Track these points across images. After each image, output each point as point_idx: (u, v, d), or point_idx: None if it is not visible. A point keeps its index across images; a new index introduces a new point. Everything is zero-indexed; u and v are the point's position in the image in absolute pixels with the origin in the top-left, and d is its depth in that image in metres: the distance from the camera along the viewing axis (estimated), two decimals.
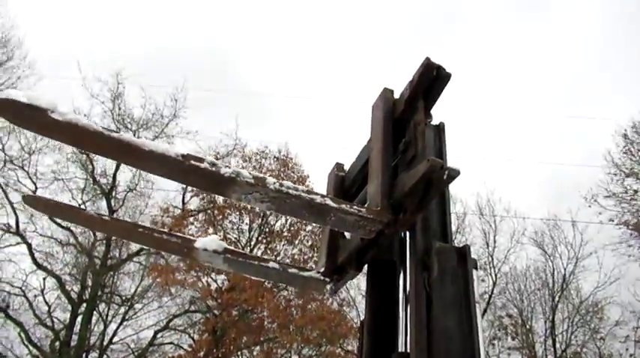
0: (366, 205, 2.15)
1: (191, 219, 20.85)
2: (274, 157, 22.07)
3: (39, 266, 18.38)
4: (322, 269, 2.51)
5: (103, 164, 19.88)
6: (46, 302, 18.62)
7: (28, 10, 28.62)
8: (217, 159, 21.44)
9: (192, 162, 1.92)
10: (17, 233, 18.29)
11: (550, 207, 23.94)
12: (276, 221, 21.96)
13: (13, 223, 18.22)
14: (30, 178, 18.59)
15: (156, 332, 19.60)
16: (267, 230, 21.91)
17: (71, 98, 18.84)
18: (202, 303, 20.19)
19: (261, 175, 2.03)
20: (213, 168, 1.95)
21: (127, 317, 19.56)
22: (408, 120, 2.32)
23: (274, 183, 2.01)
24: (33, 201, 2.58)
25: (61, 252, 19.32)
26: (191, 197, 21.26)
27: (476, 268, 2.03)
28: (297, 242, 21.97)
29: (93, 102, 19.11)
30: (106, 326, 19.29)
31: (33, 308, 17.98)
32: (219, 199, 21.61)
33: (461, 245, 2.07)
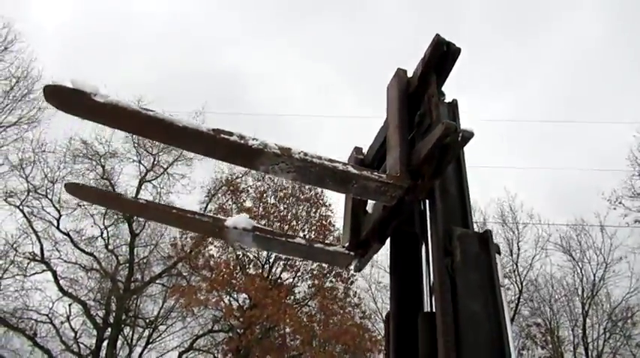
0: (386, 173, 2.21)
1: (210, 239, 21.03)
2: None
3: (64, 292, 18.71)
4: (347, 245, 2.55)
5: (125, 188, 20.29)
6: (72, 329, 18.92)
7: (45, 41, 29.53)
8: (233, 179, 21.68)
9: (222, 135, 2.00)
10: (42, 260, 18.69)
11: (575, 211, 23.32)
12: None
13: (37, 251, 18.66)
14: (54, 206, 19.05)
15: (180, 354, 19.73)
16: None
17: (91, 125, 19.34)
18: (225, 323, 20.29)
19: (287, 146, 2.07)
20: (242, 141, 2.02)
21: (151, 340, 19.76)
22: (422, 94, 2.38)
23: (299, 152, 2.07)
24: (75, 189, 2.64)
25: (85, 277, 19.66)
26: None
27: (498, 253, 2.03)
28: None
29: (114, 129, 19.48)
30: (131, 350, 19.50)
31: (60, 334, 18.26)
32: None
33: (482, 230, 2.09)
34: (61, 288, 18.61)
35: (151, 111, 1.98)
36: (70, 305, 18.85)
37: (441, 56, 2.33)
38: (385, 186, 2.13)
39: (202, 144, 2.04)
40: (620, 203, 20.00)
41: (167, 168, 20.38)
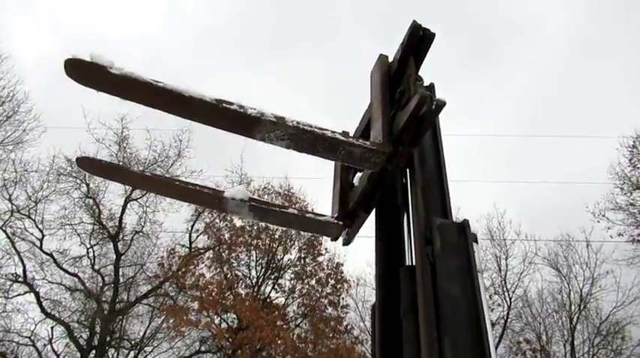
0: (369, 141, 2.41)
1: (198, 257, 20.77)
2: (277, 192, 22.13)
3: (47, 314, 18.21)
4: (336, 215, 2.72)
5: (110, 207, 20.00)
6: (55, 352, 18.34)
7: (26, 72, 29.44)
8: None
9: (224, 104, 2.13)
10: (25, 282, 18.22)
11: (560, 226, 23.60)
12: (284, 255, 21.86)
13: (20, 272, 18.19)
14: (37, 226, 18.67)
15: None
16: (274, 265, 21.75)
17: (77, 143, 19.15)
18: (213, 343, 19.87)
19: (281, 115, 2.22)
20: (242, 110, 2.15)
21: None
22: (402, 75, 2.62)
23: (292, 121, 2.21)
24: (87, 163, 2.67)
25: (69, 298, 19.19)
26: (197, 236, 21.26)
27: (476, 242, 2.16)
28: (304, 277, 21.77)
29: (99, 146, 19.32)
30: None
31: (42, 357, 17.71)
32: (226, 235, 21.62)
33: (460, 220, 2.23)
34: (43, 310, 18.12)
35: (161, 82, 2.07)
36: (52, 327, 18.35)
37: (418, 40, 2.57)
38: (369, 153, 2.31)
39: (206, 113, 2.16)
40: (603, 216, 20.29)
41: None
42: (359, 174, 2.78)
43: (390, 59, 2.82)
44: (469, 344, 1.91)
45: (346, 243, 2.82)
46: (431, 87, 2.63)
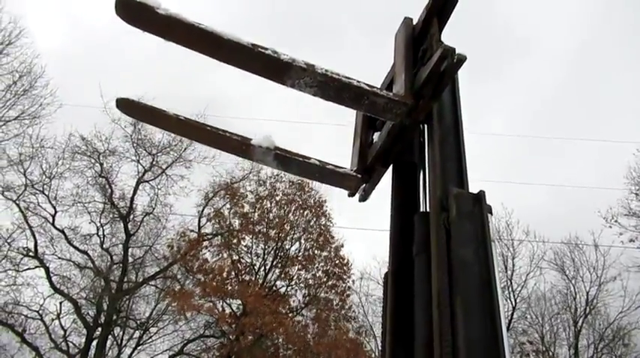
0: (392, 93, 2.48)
1: (205, 243, 20.95)
2: (290, 181, 22.20)
3: (56, 290, 18.47)
4: (355, 168, 2.78)
5: (122, 187, 20.21)
6: (62, 327, 18.60)
7: (50, 38, 29.72)
8: (234, 182, 21.68)
9: (259, 49, 2.19)
10: (36, 256, 18.48)
11: (570, 229, 23.45)
12: (291, 245, 21.97)
13: (32, 246, 18.45)
14: (50, 202, 18.93)
15: (170, 357, 19.42)
16: (281, 254, 21.87)
17: (93, 123, 19.37)
18: (217, 328, 20.04)
19: (311, 62, 2.28)
20: (275, 54, 2.21)
21: (141, 342, 19.44)
22: (425, 35, 2.67)
23: (321, 68, 2.27)
24: (127, 104, 2.67)
25: (78, 275, 19.43)
26: (206, 221, 21.43)
27: (491, 213, 2.19)
28: (311, 267, 21.87)
29: (114, 126, 19.53)
30: (120, 351, 19.18)
31: (49, 332, 17.96)
32: (236, 223, 21.78)
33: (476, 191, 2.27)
34: (53, 285, 18.38)
35: (203, 24, 2.14)
36: (61, 303, 18.60)
37: (442, 2, 2.63)
38: (392, 103, 2.37)
39: (242, 56, 2.21)
40: (616, 221, 20.15)
41: (166, 168, 20.33)
42: (377, 134, 2.85)
43: (415, 22, 2.88)
44: (480, 307, 1.96)
45: (363, 198, 2.88)
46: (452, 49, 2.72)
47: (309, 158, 2.74)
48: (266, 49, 2.21)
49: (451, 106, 2.59)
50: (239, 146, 2.69)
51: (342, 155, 3.01)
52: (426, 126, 2.61)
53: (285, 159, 2.70)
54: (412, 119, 2.47)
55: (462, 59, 2.30)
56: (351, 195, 2.87)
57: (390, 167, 2.76)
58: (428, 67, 2.38)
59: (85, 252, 19.23)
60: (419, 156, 2.68)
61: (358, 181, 2.77)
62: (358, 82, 2.37)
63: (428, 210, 2.41)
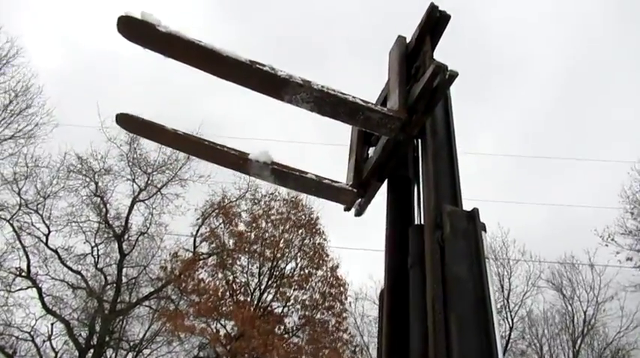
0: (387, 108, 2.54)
1: (200, 263, 20.79)
2: (283, 200, 22.20)
3: (48, 311, 18.22)
4: (351, 183, 2.81)
5: (117, 206, 20.11)
6: (54, 349, 18.32)
7: (47, 58, 29.88)
8: (227, 203, 21.62)
9: (257, 65, 2.23)
10: (28, 276, 18.28)
11: (566, 248, 23.43)
12: (287, 264, 21.82)
13: (24, 266, 18.26)
14: (44, 222, 18.80)
15: None
16: (277, 273, 21.71)
17: (89, 142, 19.38)
18: (211, 350, 19.76)
19: (308, 78, 2.32)
20: (272, 71, 2.25)
21: None
22: (418, 52, 2.75)
23: (317, 84, 2.31)
24: (126, 120, 2.68)
25: (71, 296, 19.19)
26: (201, 241, 21.31)
27: (484, 230, 2.20)
28: (307, 287, 21.71)
29: (110, 145, 19.54)
30: None
31: (40, 354, 17.69)
32: (230, 242, 21.66)
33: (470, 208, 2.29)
34: (45, 306, 18.14)
35: (202, 41, 2.19)
36: (52, 324, 18.35)
37: (435, 21, 2.72)
38: (386, 118, 2.41)
39: (240, 73, 2.25)
40: (612, 240, 20.16)
41: (161, 187, 20.29)
42: (372, 149, 2.88)
43: (408, 40, 2.96)
44: (475, 323, 1.96)
45: (358, 213, 2.90)
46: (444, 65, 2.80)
47: (306, 173, 2.77)
48: (264, 65, 2.25)
49: (444, 121, 2.64)
50: (236, 161, 2.71)
51: (335, 176, 3.05)
52: (419, 140, 2.66)
53: (282, 174, 2.71)
54: (406, 134, 2.51)
55: (453, 75, 2.36)
56: (347, 209, 2.88)
57: (385, 182, 2.78)
58: (421, 83, 2.44)
59: (78, 272, 19.05)
60: (413, 170, 2.72)
61: (354, 196, 2.79)
62: (353, 97, 2.41)
63: (422, 222, 2.43)
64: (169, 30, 2.13)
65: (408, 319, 2.23)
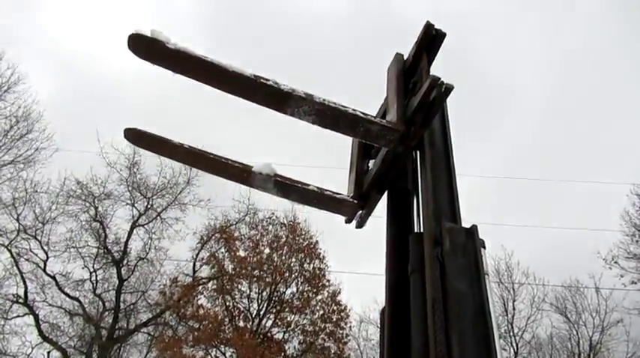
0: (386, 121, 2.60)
1: (200, 288, 20.56)
2: (281, 223, 22.09)
3: (45, 338, 17.93)
4: (352, 194, 2.86)
5: (116, 231, 20.00)
6: None
7: (48, 84, 30.12)
8: (227, 227, 21.49)
9: (262, 80, 2.31)
10: (25, 303, 18.05)
11: (569, 271, 23.19)
12: (286, 289, 21.56)
13: (21, 293, 18.05)
14: (42, 248, 18.66)
15: None
16: (276, 299, 21.44)
17: (89, 166, 19.39)
18: None
19: (309, 91, 2.39)
20: (276, 85, 2.32)
21: None
22: (416, 68, 2.85)
23: (319, 98, 2.39)
24: (135, 135, 2.71)
25: (68, 323, 18.90)
26: (201, 266, 21.12)
27: (484, 247, 2.24)
28: (307, 312, 21.41)
29: (110, 170, 19.55)
30: None
31: None
32: (229, 267, 21.44)
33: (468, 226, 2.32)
34: (41, 333, 17.86)
35: (209, 57, 2.27)
36: (49, 352, 18.03)
37: (431, 38, 2.83)
38: (385, 130, 2.48)
39: (245, 87, 2.32)
40: (615, 263, 19.97)
41: (161, 212, 20.22)
42: (372, 161, 2.93)
43: (405, 57, 3.06)
44: (475, 338, 1.99)
45: (359, 225, 2.92)
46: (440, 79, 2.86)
47: (308, 184, 2.81)
48: (267, 79, 2.33)
49: (441, 133, 2.69)
50: (240, 173, 2.75)
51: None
52: (418, 152, 2.71)
53: (284, 186, 2.76)
54: (405, 145, 2.56)
55: (449, 88, 2.43)
56: (348, 221, 2.91)
57: (386, 193, 2.82)
58: (418, 96, 2.50)
59: (76, 299, 18.82)
60: (412, 182, 2.76)
61: (355, 207, 2.83)
62: (354, 110, 2.47)
63: (422, 230, 2.47)
64: (178, 47, 2.20)
65: (409, 330, 2.24)
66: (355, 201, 2.81)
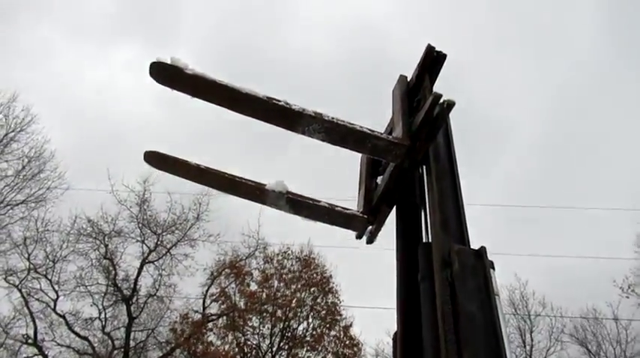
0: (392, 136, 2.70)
1: (210, 325, 20.28)
2: (296, 258, 21.93)
3: None
4: (361, 209, 2.91)
5: (126, 268, 19.94)
6: None
7: (60, 125, 30.72)
8: (237, 262, 21.35)
9: (274, 101, 2.42)
10: (35, 344, 17.87)
11: (586, 299, 22.58)
12: (299, 324, 21.20)
13: (31, 333, 17.89)
14: (52, 287, 18.61)
15: None
16: (289, 335, 21.05)
17: (100, 203, 19.51)
18: None
19: (319, 111, 2.50)
20: (287, 106, 2.43)
21: None
22: (419, 88, 2.97)
23: (327, 116, 2.49)
24: (155, 158, 2.79)
25: None
26: (211, 301, 20.90)
27: (493, 268, 2.27)
28: (320, 348, 20.96)
29: (120, 208, 19.67)
30: None
31: None
32: (240, 303, 21.18)
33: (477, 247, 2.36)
34: None
35: (224, 81, 2.40)
36: None
37: (432, 60, 2.98)
38: (391, 145, 2.57)
39: (259, 108, 2.44)
40: (632, 290, 19.49)
41: (170, 248, 20.15)
42: (380, 178, 3.00)
43: (409, 78, 3.20)
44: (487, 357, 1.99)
45: (369, 241, 2.95)
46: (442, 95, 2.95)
47: (319, 201, 2.87)
48: (279, 100, 2.45)
49: (446, 148, 2.77)
50: (253, 191, 2.83)
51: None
52: (424, 167, 2.78)
53: (296, 203, 2.82)
54: (411, 159, 2.64)
55: (451, 104, 2.53)
56: (359, 237, 2.94)
57: (394, 209, 2.87)
58: (422, 112, 2.60)
59: (85, 338, 18.60)
60: (419, 195, 2.83)
61: (365, 222, 2.88)
62: (361, 127, 2.57)
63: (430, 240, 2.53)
64: (195, 72, 2.34)
65: (422, 351, 2.24)
66: (365, 216, 2.86)
